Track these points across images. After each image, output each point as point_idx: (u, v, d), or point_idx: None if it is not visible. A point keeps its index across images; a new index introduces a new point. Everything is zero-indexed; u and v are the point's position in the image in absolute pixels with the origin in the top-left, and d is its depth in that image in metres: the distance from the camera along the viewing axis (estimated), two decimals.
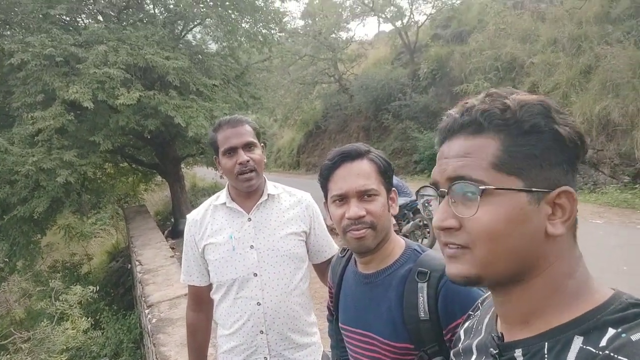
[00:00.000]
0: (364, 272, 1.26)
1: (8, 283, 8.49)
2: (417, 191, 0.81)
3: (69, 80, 7.91)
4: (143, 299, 5.12)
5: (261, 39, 11.01)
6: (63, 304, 5.80)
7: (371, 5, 20.05)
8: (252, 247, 1.75)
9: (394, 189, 1.25)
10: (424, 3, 19.13)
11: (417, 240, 6.95)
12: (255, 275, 1.73)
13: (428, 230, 7.06)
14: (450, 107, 0.74)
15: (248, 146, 1.73)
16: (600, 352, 0.56)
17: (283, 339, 1.75)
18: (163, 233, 9.70)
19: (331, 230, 1.85)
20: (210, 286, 1.84)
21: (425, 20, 19.63)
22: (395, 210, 1.24)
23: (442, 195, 0.69)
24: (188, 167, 15.80)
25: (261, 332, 1.73)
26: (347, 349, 1.32)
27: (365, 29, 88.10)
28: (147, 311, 4.67)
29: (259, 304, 1.72)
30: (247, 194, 1.79)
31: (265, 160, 1.81)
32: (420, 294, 1.12)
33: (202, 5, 10.23)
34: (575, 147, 0.65)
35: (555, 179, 0.65)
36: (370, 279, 1.24)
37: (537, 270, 0.65)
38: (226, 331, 1.78)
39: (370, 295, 1.23)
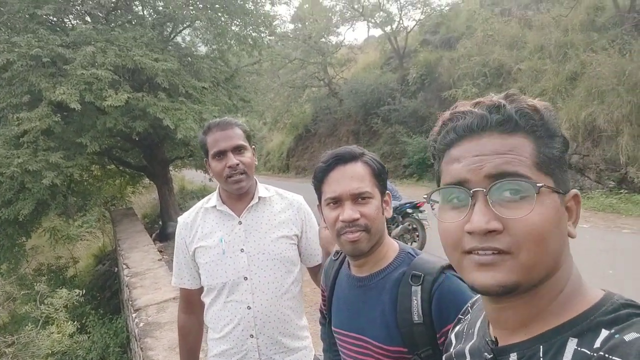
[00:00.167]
0: (358, 275, 1.26)
1: None
2: (432, 192, 0.72)
3: (56, 81, 7.80)
4: (130, 302, 5.06)
5: (251, 42, 10.98)
6: (48, 307, 5.70)
7: (361, 10, 20.15)
8: (242, 250, 1.74)
9: (388, 191, 1.25)
10: (413, 9, 19.30)
11: (407, 244, 6.97)
12: (246, 278, 1.72)
13: (417, 234, 7.09)
14: (439, 112, 0.73)
15: (238, 149, 1.72)
16: (595, 354, 0.56)
17: (273, 343, 1.74)
18: (151, 236, 9.60)
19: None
20: (201, 289, 1.82)
21: (414, 26, 19.79)
22: (389, 213, 1.24)
23: (471, 196, 0.64)
24: (176, 169, 15.67)
25: (251, 336, 1.72)
26: (340, 353, 1.31)
27: (354, 34, 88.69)
28: (134, 315, 4.61)
29: (249, 307, 1.71)
30: (238, 196, 1.78)
31: (256, 163, 1.81)
32: (414, 297, 1.12)
33: (191, 8, 10.18)
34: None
35: (568, 181, 0.66)
36: (364, 282, 1.23)
37: (552, 274, 0.64)
38: (216, 335, 1.77)
39: (363, 298, 1.22)
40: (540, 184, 0.61)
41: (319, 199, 1.26)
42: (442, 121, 0.72)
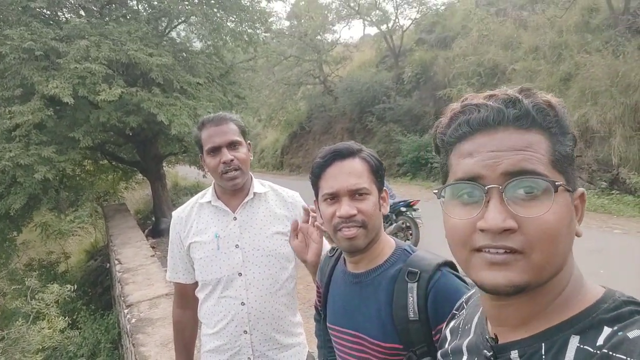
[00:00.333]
0: (354, 272, 1.25)
1: None
2: (443, 188, 0.69)
3: (49, 75, 7.74)
4: (122, 298, 5.03)
5: (246, 39, 10.95)
6: (39, 302, 5.66)
7: (357, 8, 20.14)
8: (237, 246, 1.73)
9: (385, 188, 1.25)
10: (409, 8, 19.29)
11: None
12: (240, 274, 1.71)
13: (411, 232, 7.11)
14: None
15: (232, 145, 1.71)
16: (598, 351, 0.55)
17: (267, 339, 1.73)
18: (144, 232, 9.55)
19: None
20: (196, 284, 1.81)
21: (410, 25, 19.81)
22: (386, 209, 1.24)
23: (485, 192, 0.62)
24: (170, 165, 15.61)
25: (245, 332, 1.71)
26: (335, 349, 1.31)
27: (350, 32, 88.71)
28: (126, 311, 4.59)
29: (243, 303, 1.70)
30: (233, 192, 1.77)
31: (251, 158, 1.80)
32: (409, 294, 1.11)
33: (186, 3, 10.12)
34: None
35: (576, 179, 0.66)
36: (360, 279, 1.23)
37: (557, 272, 0.63)
38: (210, 330, 1.76)
39: (359, 295, 1.22)
40: (559, 183, 0.60)
41: (316, 194, 1.26)
42: (453, 113, 0.69)
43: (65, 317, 5.95)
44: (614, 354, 0.53)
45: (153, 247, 8.21)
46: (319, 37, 21.32)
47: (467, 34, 15.52)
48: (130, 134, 9.67)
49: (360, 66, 21.59)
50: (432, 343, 1.09)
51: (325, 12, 21.68)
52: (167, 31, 11.00)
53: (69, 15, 10.01)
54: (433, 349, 1.08)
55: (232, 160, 1.68)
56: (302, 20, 21.66)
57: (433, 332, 1.09)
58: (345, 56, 22.57)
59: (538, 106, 0.64)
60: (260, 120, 23.01)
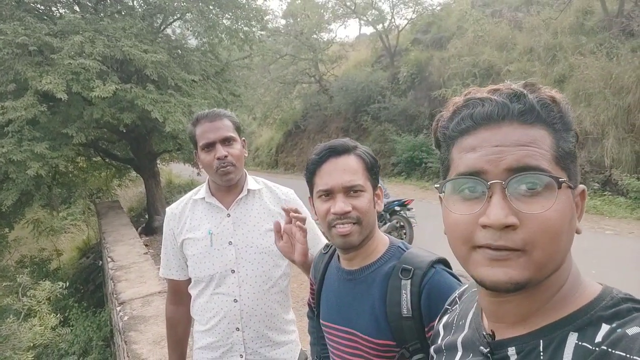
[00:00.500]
0: (348, 269, 1.25)
1: None
2: (445, 182, 0.68)
3: (43, 70, 7.67)
4: (114, 296, 5.01)
5: (242, 36, 10.92)
6: (31, 299, 5.62)
7: (353, 7, 20.14)
8: (230, 243, 1.72)
9: (379, 185, 1.25)
10: (405, 7, 19.33)
11: None
12: (233, 271, 1.71)
13: (405, 231, 7.13)
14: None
15: (227, 141, 1.70)
16: (597, 349, 0.55)
17: (259, 336, 1.73)
18: (137, 230, 9.51)
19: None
20: (190, 280, 1.81)
21: (405, 25, 19.83)
22: (380, 207, 1.24)
23: (488, 187, 0.61)
24: (164, 163, 15.55)
25: (237, 329, 1.71)
26: (328, 346, 1.31)
27: (346, 31, 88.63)
28: (118, 308, 4.57)
29: (235, 300, 1.70)
30: (227, 188, 1.77)
31: (246, 155, 1.79)
32: (403, 291, 1.11)
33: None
34: None
35: (578, 176, 0.65)
36: (354, 276, 1.23)
37: (557, 269, 0.63)
38: (202, 327, 1.76)
39: (353, 291, 1.22)
40: (562, 180, 0.59)
41: (311, 191, 1.26)
42: (455, 107, 0.68)
43: (57, 315, 5.91)
44: (613, 351, 0.53)
45: (146, 245, 8.18)
46: (314, 35, 21.29)
47: (462, 35, 15.57)
48: (124, 131, 9.62)
49: (356, 65, 21.59)
50: (425, 340, 1.09)
51: (321, 10, 21.67)
52: (162, 28, 10.95)
53: (64, 10, 9.94)
54: (426, 346, 1.08)
55: (226, 156, 1.68)
56: (298, 19, 21.66)
57: (426, 329, 1.09)
58: (340, 55, 22.56)
59: (543, 101, 0.63)
60: (255, 118, 22.94)
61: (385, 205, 6.99)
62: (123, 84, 8.33)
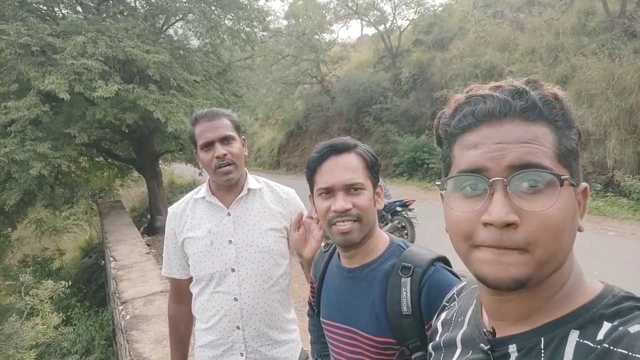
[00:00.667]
0: (348, 267, 1.26)
1: None
2: (447, 179, 0.67)
3: (45, 71, 7.69)
4: (117, 295, 5.02)
5: (244, 37, 10.92)
6: (33, 298, 5.64)
7: (355, 8, 20.15)
8: (230, 242, 1.73)
9: (380, 184, 1.25)
10: (406, 8, 19.31)
11: None
12: (233, 270, 1.71)
13: (406, 232, 7.12)
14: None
15: (226, 140, 1.70)
16: (598, 346, 0.55)
17: (260, 335, 1.73)
18: (139, 229, 9.52)
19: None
20: (191, 279, 1.82)
21: (407, 26, 19.83)
22: (380, 205, 1.25)
23: (489, 185, 0.60)
24: (166, 163, 15.56)
25: (237, 327, 1.71)
26: (328, 344, 1.31)
27: (348, 32, 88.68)
28: (120, 307, 4.58)
29: (235, 299, 1.70)
30: (227, 188, 1.77)
31: (246, 153, 1.79)
32: (403, 289, 1.12)
33: (184, 0, 10.11)
34: None
35: (580, 174, 0.65)
36: (354, 274, 1.23)
37: (559, 267, 0.62)
38: (203, 325, 1.77)
39: (353, 289, 1.22)
40: (564, 177, 0.59)
41: (311, 189, 1.26)
42: (457, 104, 0.68)
43: (59, 314, 5.93)
44: (615, 349, 0.53)
45: (148, 245, 8.19)
46: (316, 36, 21.29)
47: (464, 36, 15.56)
48: (127, 131, 9.62)
49: (358, 66, 21.60)
50: (425, 337, 1.09)
51: (323, 11, 21.69)
52: (164, 28, 10.96)
53: (66, 11, 9.97)
54: (426, 344, 1.08)
55: (225, 155, 1.68)
56: (300, 20, 21.66)
57: (426, 327, 1.10)
58: (342, 56, 22.56)
59: (545, 98, 0.63)
60: (257, 119, 22.98)
61: (386, 205, 7.00)
62: (125, 84, 8.35)
